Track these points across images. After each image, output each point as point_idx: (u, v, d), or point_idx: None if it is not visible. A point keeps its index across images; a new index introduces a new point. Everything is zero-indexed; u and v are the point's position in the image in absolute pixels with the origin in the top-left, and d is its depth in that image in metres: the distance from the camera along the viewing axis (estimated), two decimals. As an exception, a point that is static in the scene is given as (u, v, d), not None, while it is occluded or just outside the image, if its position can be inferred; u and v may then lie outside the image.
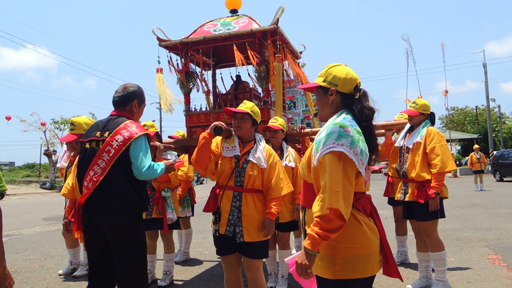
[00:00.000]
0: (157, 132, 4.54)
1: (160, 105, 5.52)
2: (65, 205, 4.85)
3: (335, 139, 1.75)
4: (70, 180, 3.64)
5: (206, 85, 4.99)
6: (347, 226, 1.77)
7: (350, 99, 1.92)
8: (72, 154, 4.87)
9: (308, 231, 1.75)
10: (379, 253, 1.90)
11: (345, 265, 1.80)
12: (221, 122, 3.06)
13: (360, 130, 1.84)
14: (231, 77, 5.63)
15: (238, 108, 3.15)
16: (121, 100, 2.91)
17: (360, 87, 1.95)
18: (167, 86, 4.79)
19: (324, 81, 1.96)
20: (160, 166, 2.94)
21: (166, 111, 4.77)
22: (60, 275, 5.10)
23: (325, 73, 1.98)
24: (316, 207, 1.74)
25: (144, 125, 4.55)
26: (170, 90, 4.80)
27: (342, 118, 1.86)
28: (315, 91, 2.03)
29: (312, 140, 4.73)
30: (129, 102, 2.92)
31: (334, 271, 1.82)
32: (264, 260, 3.53)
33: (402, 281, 2.01)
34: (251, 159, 3.04)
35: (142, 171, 2.74)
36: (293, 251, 5.92)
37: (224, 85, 5.65)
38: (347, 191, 1.72)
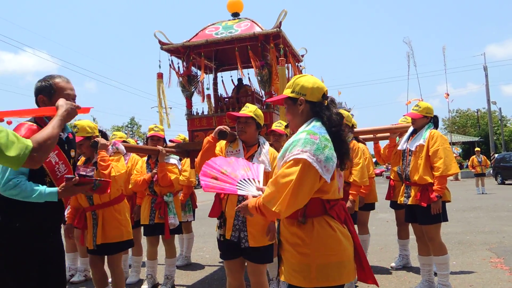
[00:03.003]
0: (161, 136, 4.54)
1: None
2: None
3: (300, 146, 1.80)
4: None
5: (202, 92, 5.00)
6: (321, 233, 1.84)
7: (318, 107, 1.97)
8: None
9: (253, 200, 1.89)
10: (353, 260, 1.93)
11: (320, 272, 1.83)
12: (225, 126, 3.06)
13: (328, 137, 1.88)
14: (232, 80, 5.64)
15: (241, 112, 3.14)
16: (35, 101, 2.42)
17: (328, 95, 2.01)
18: (165, 97, 4.80)
19: (292, 92, 2.01)
20: (38, 190, 2.12)
21: (160, 123, 4.78)
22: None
23: (292, 84, 2.04)
24: (265, 193, 1.85)
25: (156, 127, 4.56)
26: (167, 103, 4.82)
27: (311, 126, 1.91)
28: (284, 102, 2.08)
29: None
30: (36, 100, 2.40)
31: (310, 279, 1.84)
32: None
33: (378, 286, 2.03)
34: (255, 162, 3.03)
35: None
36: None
37: (225, 88, 5.66)
38: (296, 196, 1.77)
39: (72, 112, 2.13)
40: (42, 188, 2.13)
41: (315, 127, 1.90)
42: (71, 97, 2.35)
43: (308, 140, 1.81)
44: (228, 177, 2.21)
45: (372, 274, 1.96)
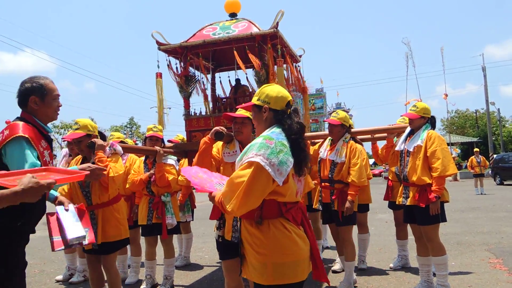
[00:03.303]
0: (159, 136, 4.53)
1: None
2: None
3: (255, 150, 1.91)
4: (66, 186, 3.61)
5: (203, 91, 4.99)
6: (277, 235, 1.96)
7: (281, 115, 2.08)
8: (71, 157, 4.86)
9: (218, 194, 1.96)
10: (309, 259, 2.04)
11: (276, 271, 1.94)
12: (222, 127, 3.05)
13: (286, 142, 1.97)
14: (229, 81, 5.64)
15: (237, 112, 3.13)
16: (19, 101, 2.46)
17: (292, 104, 2.12)
18: (164, 98, 4.80)
19: (258, 99, 2.13)
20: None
21: (158, 123, 4.77)
22: (57, 281, 5.07)
23: (259, 92, 2.16)
24: (223, 191, 1.95)
25: (154, 127, 4.55)
26: (166, 104, 4.83)
27: (270, 132, 2.02)
28: (251, 109, 2.19)
29: (312, 144, 4.73)
30: (26, 100, 2.42)
31: (267, 277, 1.96)
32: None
33: (329, 284, 2.14)
34: None
35: None
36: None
37: (223, 88, 5.66)
38: (247, 197, 1.85)
39: (33, 191, 1.81)
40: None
41: (273, 133, 2.00)
42: (58, 97, 2.51)
43: (263, 144, 1.91)
44: (205, 180, 2.26)
45: (325, 273, 2.09)
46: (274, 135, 1.98)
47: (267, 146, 1.90)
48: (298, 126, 2.04)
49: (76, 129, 3.52)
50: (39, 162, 2.28)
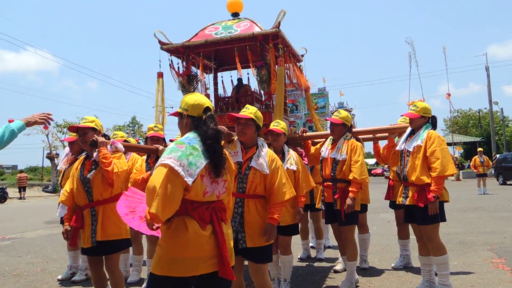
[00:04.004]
0: (160, 136, 4.54)
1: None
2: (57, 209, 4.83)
3: (167, 153, 2.08)
4: (68, 186, 3.61)
5: (206, 91, 5.00)
6: (176, 231, 2.10)
7: (197, 121, 2.25)
8: (73, 156, 4.88)
9: (146, 212, 2.05)
10: (209, 257, 2.13)
11: (169, 264, 2.10)
12: (223, 127, 3.06)
13: (198, 147, 2.14)
14: (232, 80, 5.64)
15: (241, 113, 3.12)
16: None
17: (209, 112, 2.27)
18: (164, 98, 4.81)
19: (180, 107, 2.33)
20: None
21: (156, 121, 4.78)
22: (59, 280, 5.08)
23: (182, 100, 2.35)
24: (146, 199, 2.06)
25: (155, 126, 4.56)
26: (164, 104, 4.84)
27: (184, 137, 2.20)
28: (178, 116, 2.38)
29: (314, 144, 4.73)
30: None
31: (160, 268, 2.10)
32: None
33: (234, 279, 2.19)
34: (253, 165, 3.01)
35: None
36: (299, 255, 5.91)
37: (224, 88, 5.66)
38: (166, 196, 1.98)
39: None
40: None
41: (187, 138, 2.18)
42: None
43: (174, 148, 2.10)
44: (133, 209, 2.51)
45: (231, 271, 2.15)
46: (186, 140, 2.16)
47: (177, 149, 2.09)
48: (213, 132, 2.19)
49: (84, 122, 3.58)
50: None
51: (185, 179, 2.02)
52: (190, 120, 2.27)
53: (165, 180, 2.00)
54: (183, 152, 2.07)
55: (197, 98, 2.31)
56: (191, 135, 2.21)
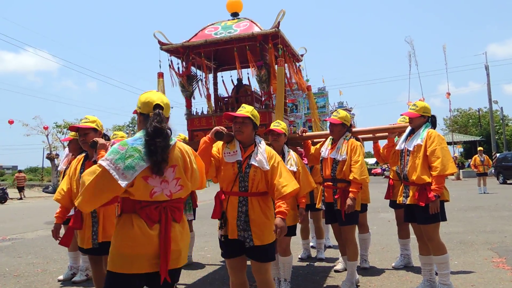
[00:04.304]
0: None
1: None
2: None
3: (108, 154, 2.12)
4: (64, 185, 3.60)
5: (207, 89, 4.99)
6: (123, 228, 2.17)
7: (146, 119, 2.22)
8: (73, 156, 4.87)
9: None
10: (154, 256, 2.16)
11: (116, 260, 2.16)
12: (222, 127, 3.06)
13: (141, 148, 2.13)
14: (232, 80, 5.64)
15: (238, 112, 3.13)
16: None
17: (158, 109, 2.23)
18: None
19: (137, 105, 2.34)
20: None
21: None
22: (60, 280, 5.08)
23: (138, 98, 2.36)
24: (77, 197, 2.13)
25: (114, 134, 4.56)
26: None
27: (132, 138, 2.21)
28: None
29: (314, 143, 4.73)
30: None
31: (111, 265, 2.17)
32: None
33: (170, 281, 2.22)
34: (253, 162, 3.02)
35: None
36: (299, 254, 5.91)
37: (226, 88, 5.65)
38: (91, 193, 2.06)
39: None
40: None
41: (133, 138, 2.19)
42: None
43: (115, 150, 2.12)
44: None
45: (166, 269, 2.16)
46: (131, 140, 2.17)
47: (117, 151, 2.10)
48: (152, 130, 2.15)
49: (85, 122, 3.57)
50: None
51: (119, 182, 2.04)
52: (142, 118, 2.28)
53: (95, 180, 2.06)
54: (121, 155, 2.09)
55: (149, 95, 2.30)
56: (138, 135, 2.21)
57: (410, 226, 4.61)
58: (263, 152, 3.07)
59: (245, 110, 3.13)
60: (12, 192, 25.00)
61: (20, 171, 31.72)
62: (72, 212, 3.83)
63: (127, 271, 2.13)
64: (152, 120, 2.18)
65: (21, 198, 24.58)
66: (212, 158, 3.08)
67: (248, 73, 5.33)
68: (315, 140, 4.81)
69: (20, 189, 25.30)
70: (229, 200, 3.04)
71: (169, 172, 2.21)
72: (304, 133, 4.61)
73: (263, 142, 3.19)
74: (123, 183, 2.05)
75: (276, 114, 4.39)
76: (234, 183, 3.04)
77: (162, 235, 2.17)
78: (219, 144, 3.17)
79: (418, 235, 4.12)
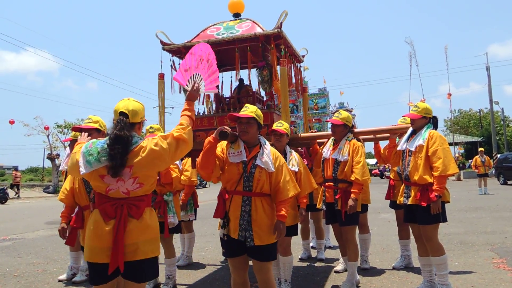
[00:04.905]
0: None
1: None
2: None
3: (84, 145, 2.47)
4: (68, 184, 3.61)
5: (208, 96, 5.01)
6: (88, 221, 2.50)
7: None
8: None
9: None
10: (108, 248, 2.37)
11: (85, 250, 2.48)
12: (226, 127, 3.05)
13: (101, 149, 2.39)
14: (231, 81, 5.64)
15: (242, 112, 3.13)
16: None
17: (121, 116, 2.49)
18: (164, 98, 4.83)
19: None
20: None
21: (160, 122, 4.81)
22: (60, 280, 5.08)
23: None
24: None
25: (150, 128, 4.57)
26: (164, 104, 4.89)
27: (103, 139, 2.49)
28: None
29: (319, 144, 4.73)
30: None
31: (84, 254, 2.51)
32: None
33: (121, 271, 2.39)
34: (258, 163, 3.02)
35: None
36: (299, 255, 5.91)
37: (231, 88, 5.66)
38: (69, 163, 2.51)
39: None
40: None
41: (102, 140, 2.47)
42: None
43: (88, 143, 2.47)
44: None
45: (117, 261, 2.34)
46: (99, 141, 2.46)
47: (86, 147, 2.44)
48: (113, 137, 2.40)
49: (88, 122, 3.57)
50: None
51: (80, 168, 2.39)
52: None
53: (73, 155, 2.49)
54: (87, 150, 2.41)
55: (118, 104, 2.57)
56: (105, 139, 2.48)
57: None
58: (269, 154, 3.07)
59: (249, 110, 3.13)
60: (12, 193, 25.07)
61: (16, 170, 31.77)
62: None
63: (92, 260, 2.41)
64: (114, 128, 2.44)
65: (17, 194, 24.83)
66: (216, 159, 3.08)
67: (250, 74, 5.33)
68: (319, 140, 4.82)
69: (17, 187, 25.62)
70: (233, 200, 3.04)
71: (125, 172, 2.40)
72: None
73: (268, 143, 3.20)
74: (82, 171, 2.39)
75: (282, 115, 4.40)
76: (238, 183, 3.04)
77: (115, 230, 2.38)
78: (223, 144, 3.17)
79: (416, 236, 4.12)
